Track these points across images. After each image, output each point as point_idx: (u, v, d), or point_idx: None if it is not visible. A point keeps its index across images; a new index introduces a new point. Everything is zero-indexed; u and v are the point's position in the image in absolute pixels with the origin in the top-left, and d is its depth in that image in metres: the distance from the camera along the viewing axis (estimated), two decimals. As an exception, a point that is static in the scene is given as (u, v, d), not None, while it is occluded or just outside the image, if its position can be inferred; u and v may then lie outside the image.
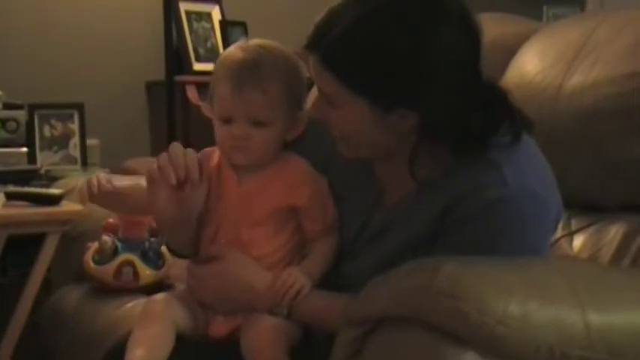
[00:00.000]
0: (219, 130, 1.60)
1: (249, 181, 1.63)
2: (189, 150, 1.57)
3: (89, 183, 1.61)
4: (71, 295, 2.36)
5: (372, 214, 1.61)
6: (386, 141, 1.50)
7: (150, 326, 1.58)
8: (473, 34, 1.45)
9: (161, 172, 1.55)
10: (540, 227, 1.48)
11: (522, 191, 1.44)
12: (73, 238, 2.42)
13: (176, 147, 1.57)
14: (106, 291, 2.23)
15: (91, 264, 2.24)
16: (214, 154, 1.67)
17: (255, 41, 1.64)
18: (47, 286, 2.51)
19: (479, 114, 1.44)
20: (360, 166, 1.62)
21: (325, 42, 1.44)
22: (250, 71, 1.56)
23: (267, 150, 1.61)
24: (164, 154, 1.56)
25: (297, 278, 1.58)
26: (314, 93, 1.60)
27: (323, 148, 1.62)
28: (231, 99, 1.56)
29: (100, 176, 1.59)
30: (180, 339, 1.58)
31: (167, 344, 1.57)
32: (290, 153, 1.66)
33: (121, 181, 1.65)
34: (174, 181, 1.54)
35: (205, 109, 1.67)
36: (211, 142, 1.64)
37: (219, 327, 1.62)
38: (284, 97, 1.58)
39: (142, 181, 1.63)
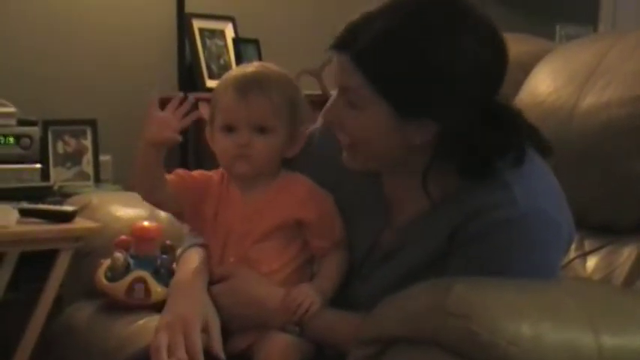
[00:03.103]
0: (222, 141, 1.63)
1: (254, 196, 1.64)
2: None
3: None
4: (83, 312, 2.36)
5: (381, 235, 1.61)
6: (396, 151, 1.49)
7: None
8: (501, 53, 1.46)
9: None
10: (551, 248, 1.48)
11: (533, 211, 1.44)
12: (86, 254, 2.42)
13: None
14: (118, 307, 2.23)
15: (103, 280, 2.24)
16: (217, 175, 1.69)
17: (257, 62, 1.71)
18: (59, 303, 2.51)
19: (492, 133, 1.44)
20: (369, 187, 1.62)
21: (360, 41, 1.44)
22: (255, 80, 1.61)
23: (270, 159, 1.63)
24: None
25: (308, 295, 1.58)
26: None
27: (332, 171, 1.63)
28: (235, 105, 1.60)
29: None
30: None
31: None
32: (294, 172, 1.68)
33: None
34: None
35: (208, 135, 1.68)
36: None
37: (234, 343, 1.62)
38: (286, 108, 1.62)
39: None
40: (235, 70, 1.69)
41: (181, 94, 1.64)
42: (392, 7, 1.45)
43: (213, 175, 1.69)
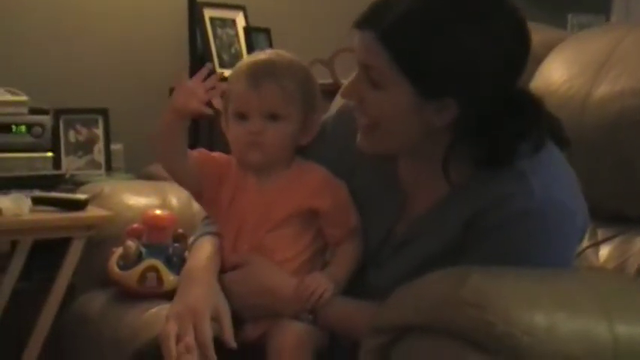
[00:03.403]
0: (234, 129, 1.63)
1: (269, 184, 1.64)
2: None
3: None
4: (95, 301, 2.37)
5: (396, 224, 1.61)
6: (414, 134, 1.49)
7: None
8: (525, 40, 1.46)
9: None
10: (567, 238, 1.48)
11: (549, 202, 1.43)
12: (98, 243, 2.43)
13: None
14: (130, 296, 2.24)
15: (116, 269, 2.24)
16: (235, 160, 1.69)
17: (269, 50, 1.72)
18: (71, 291, 2.51)
19: (512, 120, 1.44)
20: (383, 176, 1.62)
21: (387, 19, 1.43)
22: (267, 67, 1.62)
23: (283, 146, 1.63)
24: None
25: (321, 282, 1.59)
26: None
27: (346, 160, 1.63)
28: (247, 93, 1.60)
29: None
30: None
31: None
32: (308, 161, 1.68)
33: None
34: None
35: (223, 124, 1.68)
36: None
37: (247, 332, 1.63)
38: (299, 95, 1.62)
39: None
40: (248, 58, 1.69)
41: (209, 65, 1.63)
42: None
43: (233, 159, 1.69)
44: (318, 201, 1.63)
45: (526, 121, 1.45)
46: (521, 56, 1.47)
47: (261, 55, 1.67)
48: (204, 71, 1.60)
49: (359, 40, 1.47)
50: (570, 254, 1.51)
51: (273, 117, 1.61)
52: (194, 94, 1.58)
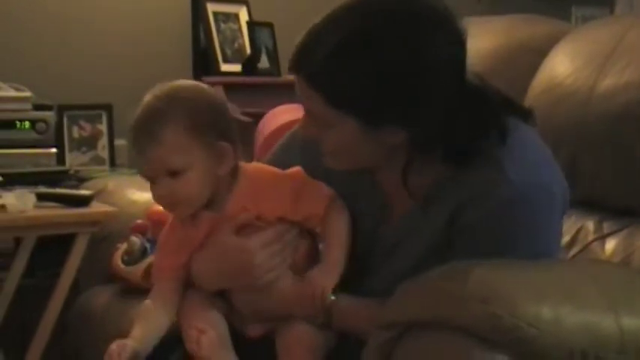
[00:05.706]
0: (150, 191, 1.58)
1: (220, 211, 1.59)
2: None
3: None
4: (100, 296, 2.37)
5: (380, 228, 1.59)
6: (377, 155, 1.48)
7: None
8: (457, 40, 1.43)
9: None
10: (551, 217, 1.47)
11: (527, 185, 1.42)
12: (102, 238, 2.43)
13: None
14: (135, 292, 2.23)
15: (120, 265, 2.24)
16: (173, 222, 1.66)
17: (156, 90, 1.60)
18: (75, 287, 2.51)
19: (465, 123, 1.42)
20: (362, 181, 1.59)
21: (309, 63, 1.42)
22: (145, 128, 1.53)
23: (199, 193, 1.55)
24: None
25: (317, 282, 1.54)
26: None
27: (320, 168, 1.58)
28: (140, 160, 1.54)
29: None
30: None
31: None
32: (251, 163, 1.65)
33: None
34: None
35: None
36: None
37: (256, 329, 1.61)
38: (190, 136, 1.52)
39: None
40: (135, 113, 1.58)
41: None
42: (338, 19, 1.42)
43: (172, 226, 1.65)
44: (284, 206, 1.58)
45: (482, 116, 1.44)
46: (458, 60, 1.43)
47: (142, 107, 1.56)
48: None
49: (297, 84, 1.45)
50: (556, 230, 1.50)
51: (174, 173, 1.52)
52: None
